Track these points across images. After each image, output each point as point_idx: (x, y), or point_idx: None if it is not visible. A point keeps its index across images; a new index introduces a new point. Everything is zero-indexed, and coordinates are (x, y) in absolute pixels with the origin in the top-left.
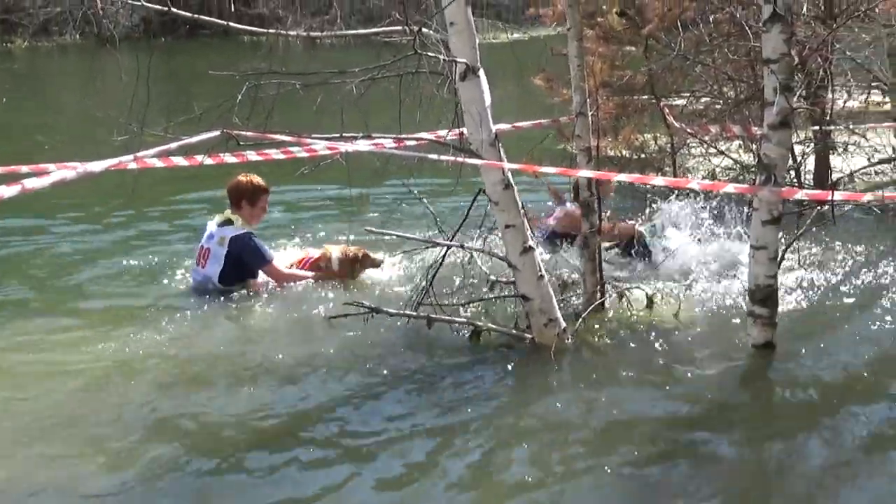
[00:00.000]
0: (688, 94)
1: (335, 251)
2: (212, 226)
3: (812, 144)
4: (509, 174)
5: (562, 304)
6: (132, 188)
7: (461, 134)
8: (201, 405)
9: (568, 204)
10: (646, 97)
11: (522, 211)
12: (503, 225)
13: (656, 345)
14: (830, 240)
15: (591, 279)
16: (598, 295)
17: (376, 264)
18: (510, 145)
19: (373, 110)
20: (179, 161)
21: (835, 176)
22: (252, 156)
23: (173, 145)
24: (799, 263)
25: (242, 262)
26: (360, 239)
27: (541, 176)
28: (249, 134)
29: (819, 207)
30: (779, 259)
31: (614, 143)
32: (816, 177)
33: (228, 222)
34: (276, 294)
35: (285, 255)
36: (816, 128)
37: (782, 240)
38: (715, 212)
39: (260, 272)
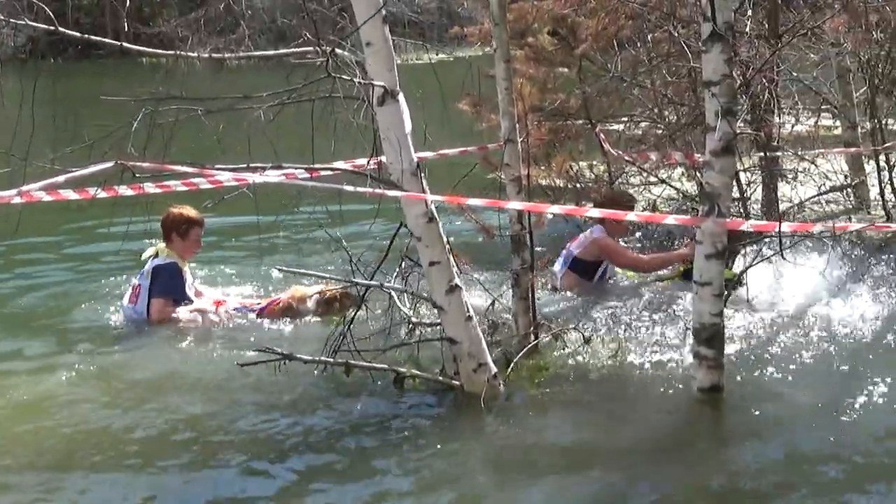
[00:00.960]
0: (625, 119)
1: (310, 291)
2: (148, 262)
3: (758, 172)
4: (433, 207)
5: (492, 348)
6: (16, 225)
7: (380, 163)
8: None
9: (596, 229)
10: (580, 122)
11: (447, 247)
12: (427, 262)
13: (594, 390)
14: (779, 273)
15: (524, 319)
16: (532, 337)
17: (356, 303)
18: (436, 175)
19: (283, 137)
20: (70, 194)
21: (783, 205)
22: (151, 188)
23: (61, 178)
24: (747, 300)
25: None
26: (269, 278)
27: (468, 209)
28: (146, 165)
29: (767, 239)
30: (724, 295)
31: (547, 171)
32: (764, 206)
33: (157, 256)
34: (196, 332)
35: (230, 298)
36: (763, 154)
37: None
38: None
39: (185, 302)
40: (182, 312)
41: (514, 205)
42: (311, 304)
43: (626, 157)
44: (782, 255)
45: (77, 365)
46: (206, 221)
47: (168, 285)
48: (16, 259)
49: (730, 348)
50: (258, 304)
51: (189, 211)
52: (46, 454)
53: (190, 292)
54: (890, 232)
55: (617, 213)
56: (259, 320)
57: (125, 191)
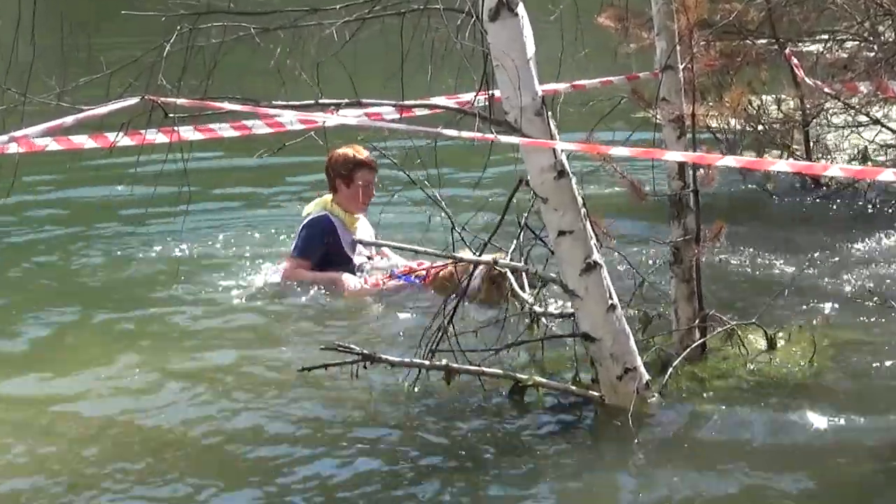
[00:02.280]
0: (825, 37)
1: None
2: None
3: None
4: (564, 157)
5: (644, 347)
6: (11, 185)
7: (492, 98)
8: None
9: None
10: (763, 41)
11: (584, 211)
12: (555, 232)
13: (781, 407)
14: None
15: (687, 309)
16: (698, 333)
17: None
18: (567, 114)
19: (363, 64)
20: (82, 140)
21: None
22: (188, 132)
23: (69, 118)
24: None
25: None
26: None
27: (610, 160)
28: (183, 102)
29: None
30: None
31: (718, 109)
32: None
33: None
34: (309, 308)
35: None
36: None
37: None
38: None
39: (340, 266)
40: (311, 276)
41: (675, 155)
42: (476, 280)
43: (827, 89)
44: None
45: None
46: (265, 169)
47: (306, 243)
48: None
49: None
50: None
51: (355, 149)
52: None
53: (354, 252)
54: None
55: (812, 168)
56: (425, 292)
57: (155, 135)
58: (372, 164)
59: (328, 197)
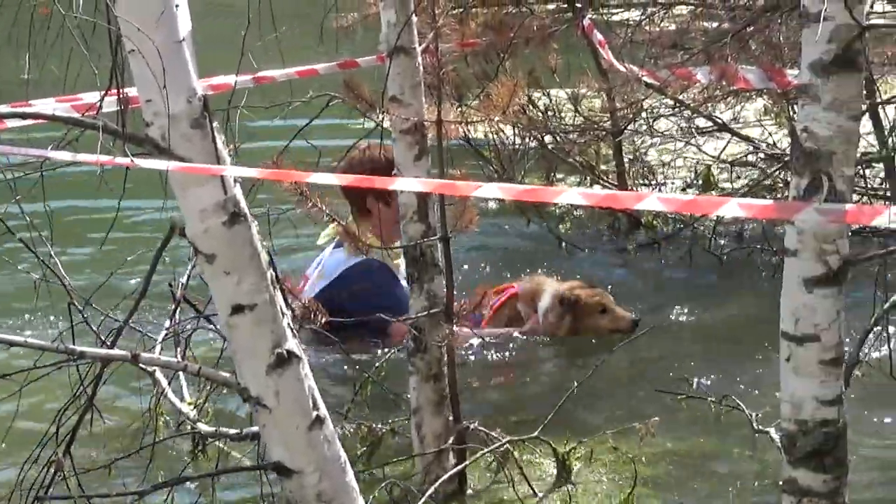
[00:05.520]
0: (643, 1)
1: (548, 290)
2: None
3: None
4: (239, 191)
5: (370, 481)
6: None
7: (126, 101)
8: None
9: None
10: (550, 6)
11: (271, 273)
12: (227, 307)
13: None
14: None
15: (435, 422)
16: (452, 458)
17: (625, 324)
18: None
19: None
20: None
21: None
22: None
23: None
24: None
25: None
26: None
27: (307, 194)
28: None
29: None
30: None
31: (482, 111)
32: None
33: (340, 244)
34: None
35: None
36: None
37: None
38: None
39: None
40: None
41: (409, 184)
42: (544, 302)
43: (647, 79)
44: None
45: None
46: None
47: (395, 293)
48: None
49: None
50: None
51: (388, 150)
52: None
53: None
54: None
55: (618, 197)
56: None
57: None
58: None
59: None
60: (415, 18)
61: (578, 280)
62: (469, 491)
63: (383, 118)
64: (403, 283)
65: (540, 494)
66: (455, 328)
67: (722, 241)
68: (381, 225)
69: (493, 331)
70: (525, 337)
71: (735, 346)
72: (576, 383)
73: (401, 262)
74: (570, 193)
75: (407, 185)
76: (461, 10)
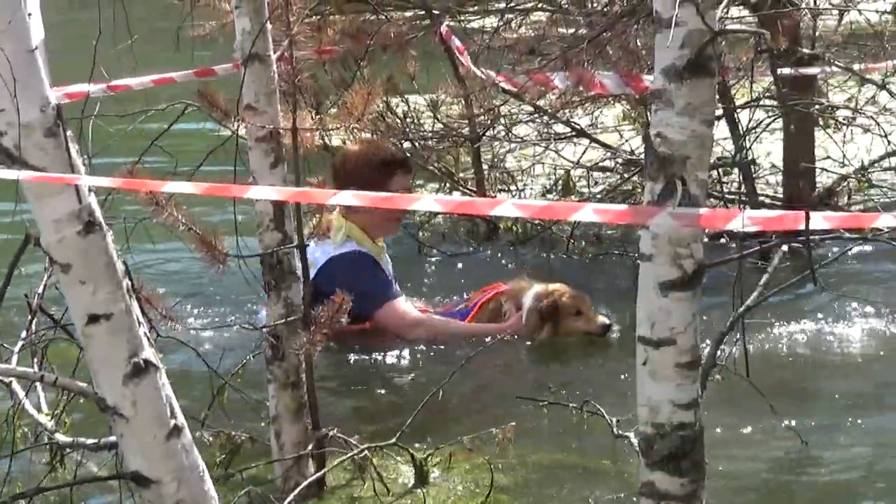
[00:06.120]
0: (501, 6)
1: (531, 290)
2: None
3: (773, 111)
4: (93, 200)
5: (229, 488)
6: None
7: None
8: None
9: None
10: (408, 13)
11: (127, 282)
12: (83, 317)
13: None
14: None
15: (293, 429)
16: (311, 465)
17: (595, 327)
18: (102, 133)
19: None
20: None
21: (825, 179)
22: None
23: None
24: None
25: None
26: None
27: (165, 205)
28: None
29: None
30: (705, 365)
31: (339, 119)
32: (786, 180)
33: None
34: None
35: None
36: (779, 73)
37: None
38: None
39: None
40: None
41: (264, 192)
42: (526, 310)
43: (505, 84)
44: (815, 279)
45: None
46: None
47: (381, 281)
48: None
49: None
50: (461, 307)
51: (380, 145)
52: None
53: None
54: None
55: (475, 203)
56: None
57: None
58: (410, 165)
59: (333, 217)
60: (270, 26)
61: (561, 283)
62: (328, 496)
63: (238, 126)
64: (389, 269)
65: (391, 498)
66: (443, 319)
67: (582, 244)
68: (373, 219)
69: (481, 326)
70: (507, 336)
71: (599, 351)
72: (433, 390)
73: (386, 259)
74: (426, 200)
75: (262, 193)
76: (318, 17)
